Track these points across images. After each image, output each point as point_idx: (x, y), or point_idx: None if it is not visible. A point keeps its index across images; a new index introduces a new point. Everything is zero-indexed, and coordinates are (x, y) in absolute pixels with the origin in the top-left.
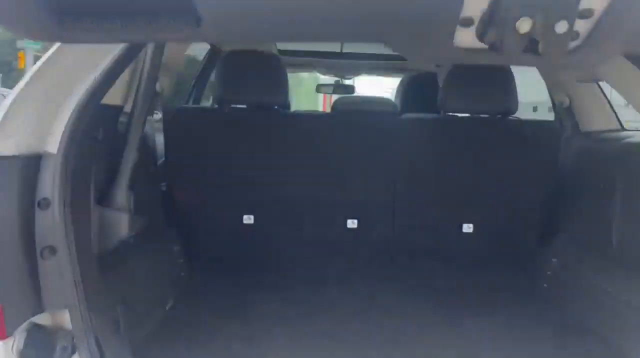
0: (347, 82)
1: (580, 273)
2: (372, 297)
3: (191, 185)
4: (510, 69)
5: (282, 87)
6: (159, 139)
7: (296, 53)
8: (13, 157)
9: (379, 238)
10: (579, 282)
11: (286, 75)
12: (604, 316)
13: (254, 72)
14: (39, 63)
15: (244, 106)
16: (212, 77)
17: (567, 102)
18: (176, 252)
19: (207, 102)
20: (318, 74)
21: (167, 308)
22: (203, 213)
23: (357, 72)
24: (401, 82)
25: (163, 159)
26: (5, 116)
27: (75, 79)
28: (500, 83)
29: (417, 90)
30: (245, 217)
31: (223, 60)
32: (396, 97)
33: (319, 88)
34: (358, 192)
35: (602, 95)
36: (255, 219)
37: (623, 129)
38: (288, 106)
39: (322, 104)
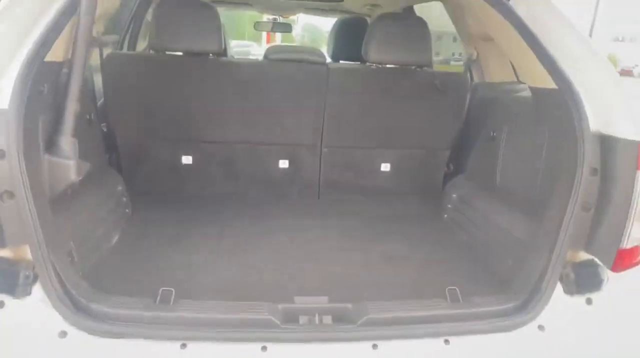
0: (285, 20)
1: (473, 206)
2: (299, 227)
3: (131, 127)
4: (427, 25)
5: (216, 35)
6: (98, 80)
7: None
8: None
9: (307, 176)
10: (472, 213)
11: (220, 23)
12: (490, 243)
13: (189, 20)
14: None
15: (179, 53)
16: (147, 18)
17: (474, 54)
18: (119, 191)
19: (144, 43)
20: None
21: (113, 242)
22: (144, 155)
23: (293, 11)
24: (334, 25)
25: (102, 99)
26: None
27: (18, 41)
28: (417, 38)
29: (348, 34)
30: (184, 157)
31: (157, 7)
32: (329, 39)
33: (257, 25)
34: (289, 135)
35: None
36: (193, 159)
37: (519, 82)
38: (225, 52)
39: (266, 37)
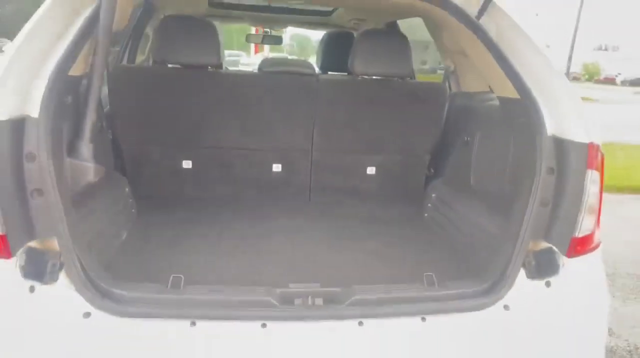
0: (275, 33)
1: (450, 205)
2: (293, 227)
3: (134, 134)
4: (407, 41)
5: (215, 50)
6: (104, 89)
7: (226, 5)
8: (4, 121)
9: (299, 180)
10: (449, 212)
11: (218, 39)
12: (465, 237)
13: (190, 36)
14: (14, 46)
15: (181, 66)
16: (146, 32)
17: (452, 66)
18: (126, 193)
19: (142, 55)
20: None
21: (122, 238)
22: (147, 160)
23: (283, 24)
24: (322, 38)
25: (108, 107)
26: None
27: (45, 58)
28: (399, 52)
29: (335, 46)
30: (184, 162)
31: (162, 24)
32: (318, 51)
33: (249, 37)
34: (281, 141)
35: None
36: (192, 164)
37: (491, 91)
38: (221, 65)
39: (254, 47)
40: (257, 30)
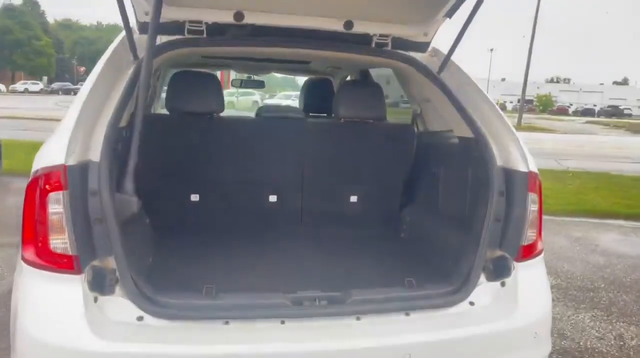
0: (257, 78)
1: (422, 225)
2: (289, 247)
3: (151, 173)
4: (381, 89)
5: (219, 99)
6: None
7: (217, 57)
8: (75, 165)
9: (292, 208)
10: (422, 230)
11: (222, 90)
12: (436, 250)
13: (198, 87)
14: (78, 104)
15: (191, 113)
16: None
17: (419, 109)
18: (147, 223)
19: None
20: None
21: (149, 261)
22: (161, 194)
23: (266, 71)
24: (304, 83)
25: None
26: (69, 141)
27: (99, 113)
28: (374, 99)
29: (316, 91)
30: (192, 195)
31: (174, 78)
32: (300, 94)
33: (234, 82)
34: (276, 175)
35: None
36: (200, 197)
37: (452, 131)
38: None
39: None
40: (222, 74)
